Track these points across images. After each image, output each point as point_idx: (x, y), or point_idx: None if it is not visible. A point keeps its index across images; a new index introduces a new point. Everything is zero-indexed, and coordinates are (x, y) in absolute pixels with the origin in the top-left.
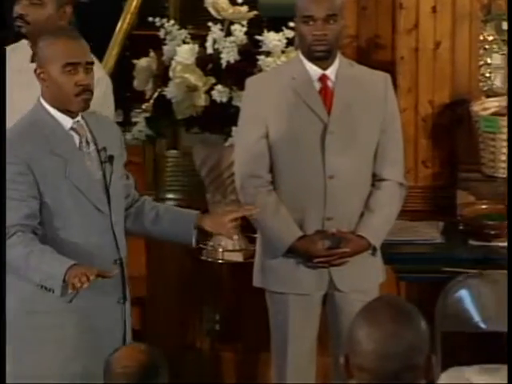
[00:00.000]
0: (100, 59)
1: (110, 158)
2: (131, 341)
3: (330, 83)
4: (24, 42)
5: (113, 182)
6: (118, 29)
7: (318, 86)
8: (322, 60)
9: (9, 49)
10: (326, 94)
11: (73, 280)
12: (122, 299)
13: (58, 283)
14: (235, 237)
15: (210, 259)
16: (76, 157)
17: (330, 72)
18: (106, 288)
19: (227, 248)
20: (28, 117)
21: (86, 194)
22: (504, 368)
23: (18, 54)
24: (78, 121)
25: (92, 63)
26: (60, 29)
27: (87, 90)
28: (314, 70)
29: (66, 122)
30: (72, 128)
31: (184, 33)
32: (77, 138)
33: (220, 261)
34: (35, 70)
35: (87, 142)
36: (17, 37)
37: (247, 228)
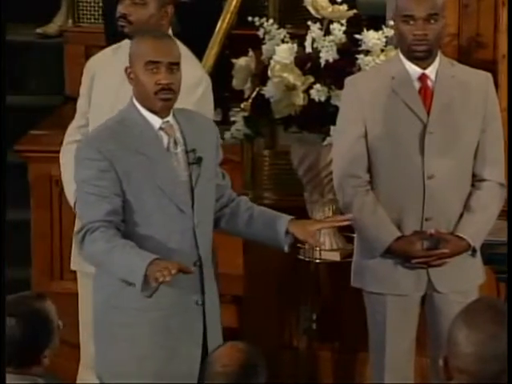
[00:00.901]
0: (200, 59)
1: (199, 160)
2: (221, 341)
3: (429, 83)
4: (127, 42)
5: (199, 184)
6: (217, 28)
7: (417, 85)
8: (422, 60)
9: (111, 49)
10: (425, 93)
11: (155, 274)
12: (202, 301)
13: (139, 277)
14: (333, 235)
15: (307, 258)
16: (162, 157)
17: (430, 71)
18: (183, 289)
19: (325, 247)
20: (118, 115)
21: (169, 195)
22: None
23: (121, 53)
24: (167, 121)
25: (177, 64)
26: (150, 29)
27: (168, 90)
28: (413, 70)
29: (155, 121)
30: (161, 128)
31: (283, 32)
32: (165, 139)
33: (317, 260)
34: (126, 69)
35: (175, 143)
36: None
37: (345, 227)
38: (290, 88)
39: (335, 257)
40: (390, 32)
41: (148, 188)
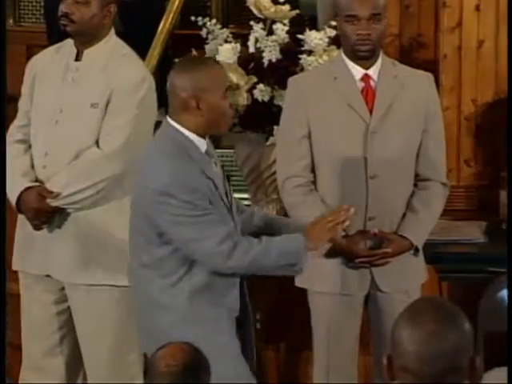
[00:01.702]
0: (143, 58)
1: (228, 177)
2: None
3: (372, 83)
4: (69, 41)
5: (232, 199)
6: (160, 28)
7: (360, 85)
8: (366, 59)
9: (53, 48)
10: (368, 93)
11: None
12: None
13: (302, 255)
14: None
15: None
16: (215, 176)
17: (373, 72)
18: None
19: None
20: (171, 142)
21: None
22: None
23: (63, 53)
24: (207, 142)
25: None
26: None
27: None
28: (356, 70)
29: (201, 144)
30: (206, 151)
31: (226, 32)
32: (211, 160)
33: None
34: (186, 100)
35: (215, 163)
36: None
37: None
38: (233, 88)
39: None
40: (332, 32)
41: (215, 203)
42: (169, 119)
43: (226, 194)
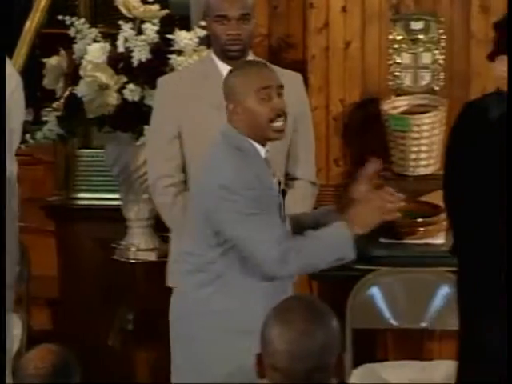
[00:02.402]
0: (10, 57)
1: (283, 192)
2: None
3: None
4: None
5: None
6: (26, 27)
7: None
8: (236, 59)
9: None
10: None
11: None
12: None
13: (350, 245)
14: (148, 235)
15: (122, 259)
16: (273, 187)
17: None
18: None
19: (140, 247)
20: (235, 144)
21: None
22: (415, 364)
23: None
24: (267, 150)
25: (282, 87)
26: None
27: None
28: (226, 70)
29: (260, 149)
30: (265, 158)
31: (95, 31)
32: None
33: (132, 260)
34: (228, 104)
35: (273, 174)
36: None
37: (160, 227)
38: (103, 88)
39: (151, 257)
40: (202, 32)
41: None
42: (227, 122)
43: (280, 205)
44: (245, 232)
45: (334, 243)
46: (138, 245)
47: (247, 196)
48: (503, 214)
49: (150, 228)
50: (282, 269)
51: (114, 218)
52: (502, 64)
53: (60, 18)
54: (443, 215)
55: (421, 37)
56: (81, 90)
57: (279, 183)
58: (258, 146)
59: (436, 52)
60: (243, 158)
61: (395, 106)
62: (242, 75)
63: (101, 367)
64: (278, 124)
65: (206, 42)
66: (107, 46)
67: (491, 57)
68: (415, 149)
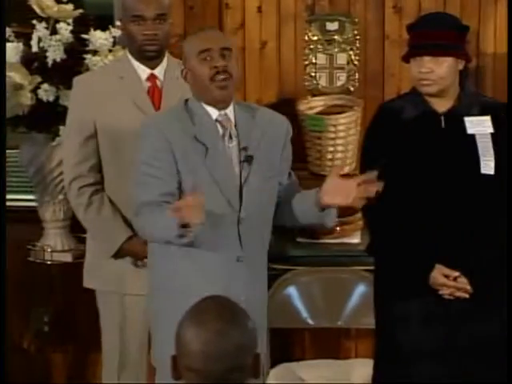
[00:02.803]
0: None
1: (249, 158)
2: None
3: (158, 82)
4: None
5: (250, 182)
6: None
7: (146, 85)
8: (152, 59)
9: None
10: (154, 93)
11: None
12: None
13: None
14: (64, 236)
15: (38, 260)
16: (217, 147)
17: (159, 72)
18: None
19: (56, 248)
20: (182, 103)
21: (221, 187)
22: (332, 363)
23: None
24: (225, 114)
25: (229, 49)
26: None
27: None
28: (142, 70)
29: (213, 112)
30: (217, 120)
31: (8, 31)
32: (221, 130)
33: (48, 262)
34: (182, 72)
35: (230, 137)
36: None
37: (76, 228)
38: (17, 88)
39: (67, 258)
40: (117, 32)
41: (201, 175)
42: None
43: (231, 176)
44: (135, 187)
45: (161, 225)
46: (53, 246)
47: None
48: (419, 213)
49: (65, 229)
50: (135, 222)
51: (30, 219)
52: (416, 65)
53: None
54: (359, 215)
55: (336, 37)
56: None
57: (244, 149)
58: (209, 108)
59: (351, 53)
60: (175, 114)
61: (311, 106)
62: (188, 41)
63: (16, 370)
64: (219, 81)
65: (122, 41)
66: (21, 45)
67: (405, 58)
68: (331, 149)
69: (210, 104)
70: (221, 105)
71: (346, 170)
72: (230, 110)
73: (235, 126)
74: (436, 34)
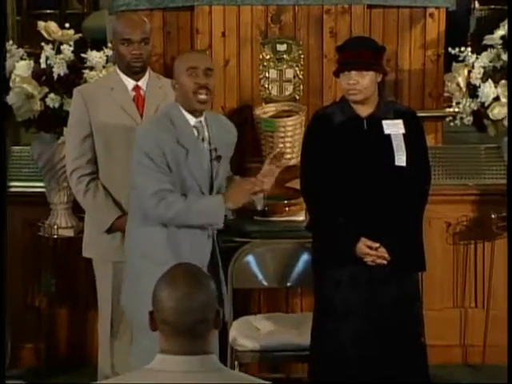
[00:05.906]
0: None
1: (218, 158)
2: None
3: (142, 92)
4: None
5: (218, 177)
6: None
7: (132, 94)
8: (137, 74)
9: None
10: (138, 100)
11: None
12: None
13: (221, 215)
14: (68, 215)
15: (46, 235)
16: (195, 148)
17: (142, 83)
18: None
19: (61, 225)
20: (165, 111)
21: (197, 179)
22: (282, 316)
23: None
24: (200, 121)
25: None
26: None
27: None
28: (128, 82)
29: (191, 119)
30: (194, 126)
31: (21, 51)
32: (196, 134)
33: (55, 236)
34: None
35: (203, 140)
36: None
37: (77, 209)
38: (29, 96)
39: (70, 233)
40: (109, 52)
41: (184, 172)
42: None
43: (204, 172)
44: (139, 181)
45: (207, 210)
46: (59, 223)
47: (146, 151)
48: (347, 197)
49: (68, 210)
50: (154, 213)
51: (40, 202)
52: (345, 78)
53: None
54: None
55: (284, 56)
56: (11, 98)
57: (215, 149)
58: (188, 115)
59: (297, 69)
60: (162, 122)
61: (265, 111)
62: (179, 58)
63: (28, 324)
64: (201, 96)
65: (112, 59)
66: (32, 63)
67: (336, 73)
68: (281, 145)
69: (189, 112)
70: (198, 114)
71: (293, 162)
72: (203, 118)
73: (208, 131)
74: (359, 54)
